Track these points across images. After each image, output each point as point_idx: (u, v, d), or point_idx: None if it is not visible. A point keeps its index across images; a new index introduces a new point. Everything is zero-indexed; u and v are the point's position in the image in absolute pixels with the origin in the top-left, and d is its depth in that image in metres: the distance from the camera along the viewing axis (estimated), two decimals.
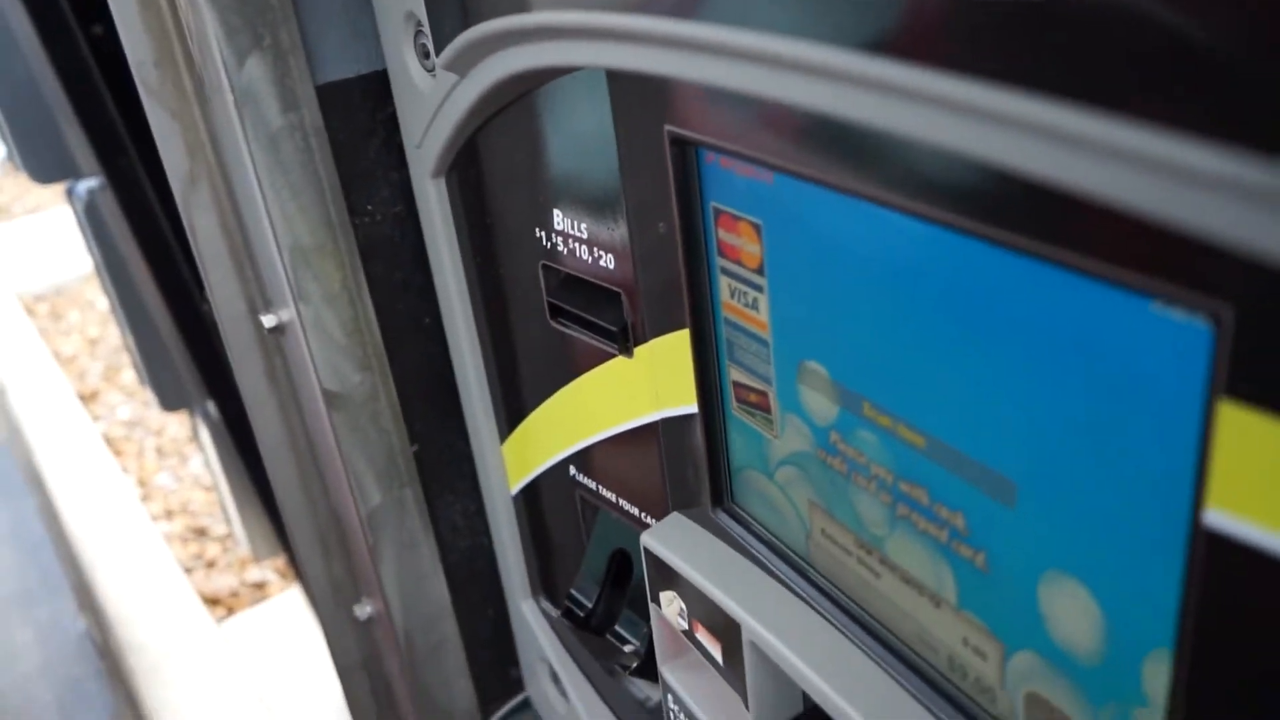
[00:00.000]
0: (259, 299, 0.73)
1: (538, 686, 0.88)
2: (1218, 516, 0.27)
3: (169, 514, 2.49)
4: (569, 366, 0.63)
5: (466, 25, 0.52)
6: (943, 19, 0.29)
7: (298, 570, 0.83)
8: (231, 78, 0.61)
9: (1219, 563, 0.27)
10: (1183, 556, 0.29)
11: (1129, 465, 0.30)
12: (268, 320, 0.72)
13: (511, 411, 0.72)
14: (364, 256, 0.70)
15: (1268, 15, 0.21)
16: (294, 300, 0.68)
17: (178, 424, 2.80)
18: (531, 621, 0.82)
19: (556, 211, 0.57)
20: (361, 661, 0.89)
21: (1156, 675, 0.32)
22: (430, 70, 0.59)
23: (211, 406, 1.61)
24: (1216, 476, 0.27)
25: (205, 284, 0.71)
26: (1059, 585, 0.35)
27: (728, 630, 0.52)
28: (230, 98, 0.61)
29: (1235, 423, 0.25)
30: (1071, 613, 0.34)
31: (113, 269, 1.46)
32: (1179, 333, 0.27)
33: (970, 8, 0.28)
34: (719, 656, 0.54)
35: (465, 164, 0.64)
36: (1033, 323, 0.32)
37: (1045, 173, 0.27)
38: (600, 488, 0.66)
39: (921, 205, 0.33)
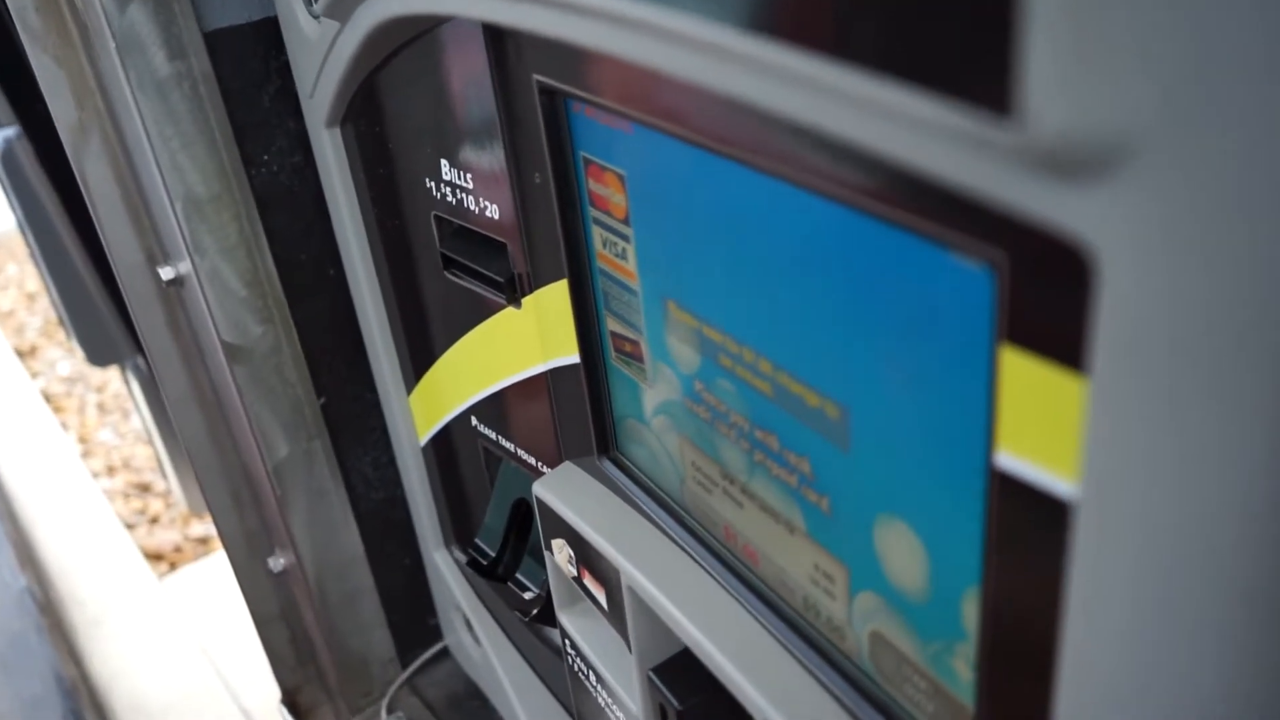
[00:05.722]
0: (157, 250, 0.72)
1: (454, 635, 0.89)
2: (1007, 459, 0.28)
3: (110, 470, 2.46)
4: (466, 317, 0.63)
5: None
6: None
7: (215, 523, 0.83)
8: (113, 24, 0.60)
9: (1009, 502, 0.28)
10: (983, 497, 0.30)
11: (937, 409, 0.31)
12: (165, 273, 0.71)
13: (417, 362, 0.72)
14: (262, 207, 0.69)
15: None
16: (189, 252, 0.67)
17: (120, 380, 2.76)
18: (445, 571, 0.83)
19: (444, 162, 0.57)
20: (279, 613, 0.89)
21: (972, 611, 0.33)
22: (315, 17, 0.59)
23: (141, 361, 1.59)
24: (1004, 420, 0.27)
25: (101, 236, 0.70)
26: (890, 527, 0.36)
27: (610, 577, 0.53)
28: (113, 44, 0.60)
29: (1015, 368, 0.26)
30: (902, 553, 0.36)
31: (34, 220, 1.42)
32: (967, 280, 0.27)
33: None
34: (604, 602, 0.55)
35: (359, 114, 0.63)
36: (851, 269, 0.33)
37: (841, 131, 0.28)
38: (500, 438, 0.67)
39: (758, 159, 0.34)
